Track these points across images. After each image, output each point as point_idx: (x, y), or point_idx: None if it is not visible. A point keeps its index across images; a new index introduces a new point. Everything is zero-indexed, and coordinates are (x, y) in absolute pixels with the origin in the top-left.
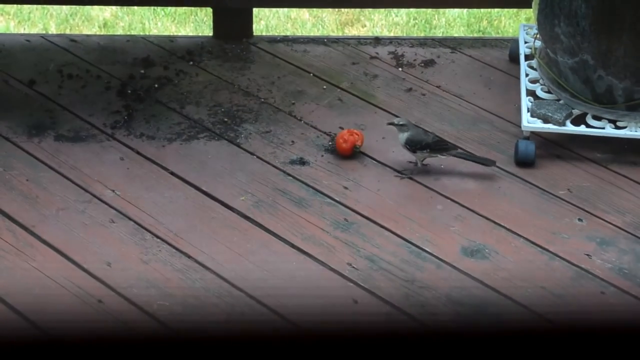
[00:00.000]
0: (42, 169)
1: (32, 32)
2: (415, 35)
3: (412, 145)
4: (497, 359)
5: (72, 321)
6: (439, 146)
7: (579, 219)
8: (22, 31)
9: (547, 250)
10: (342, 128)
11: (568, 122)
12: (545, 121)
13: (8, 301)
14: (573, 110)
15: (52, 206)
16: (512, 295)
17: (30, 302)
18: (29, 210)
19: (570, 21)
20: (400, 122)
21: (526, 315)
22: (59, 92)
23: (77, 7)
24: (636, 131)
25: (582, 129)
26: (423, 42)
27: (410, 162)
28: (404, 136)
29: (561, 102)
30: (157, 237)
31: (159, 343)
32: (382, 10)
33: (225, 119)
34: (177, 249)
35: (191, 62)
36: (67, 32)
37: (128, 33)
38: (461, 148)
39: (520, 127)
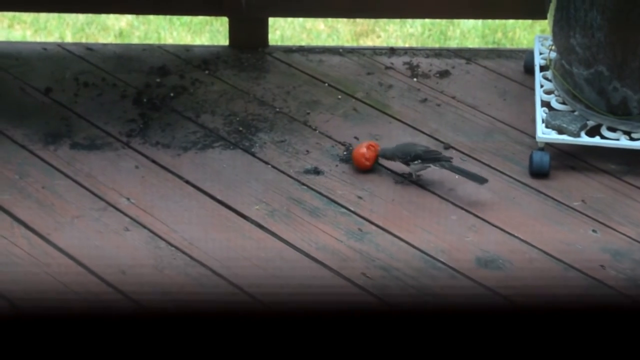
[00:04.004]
0: (58, 177)
1: (48, 40)
2: (430, 46)
3: (402, 158)
4: None
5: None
6: (430, 156)
7: (593, 230)
8: (38, 40)
9: (562, 261)
10: (357, 139)
11: (583, 134)
12: (560, 132)
13: (22, 307)
14: (588, 122)
15: (68, 214)
16: (525, 306)
17: (46, 310)
18: (45, 217)
19: (586, 32)
20: (381, 152)
21: (539, 326)
22: (75, 100)
23: (93, 16)
24: None
25: (596, 141)
26: (438, 53)
27: (404, 174)
28: (391, 149)
29: (576, 113)
30: (172, 245)
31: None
32: (397, 21)
33: (241, 128)
34: (191, 257)
35: (207, 71)
36: (83, 40)
37: (144, 42)
38: (462, 157)
39: (534, 138)
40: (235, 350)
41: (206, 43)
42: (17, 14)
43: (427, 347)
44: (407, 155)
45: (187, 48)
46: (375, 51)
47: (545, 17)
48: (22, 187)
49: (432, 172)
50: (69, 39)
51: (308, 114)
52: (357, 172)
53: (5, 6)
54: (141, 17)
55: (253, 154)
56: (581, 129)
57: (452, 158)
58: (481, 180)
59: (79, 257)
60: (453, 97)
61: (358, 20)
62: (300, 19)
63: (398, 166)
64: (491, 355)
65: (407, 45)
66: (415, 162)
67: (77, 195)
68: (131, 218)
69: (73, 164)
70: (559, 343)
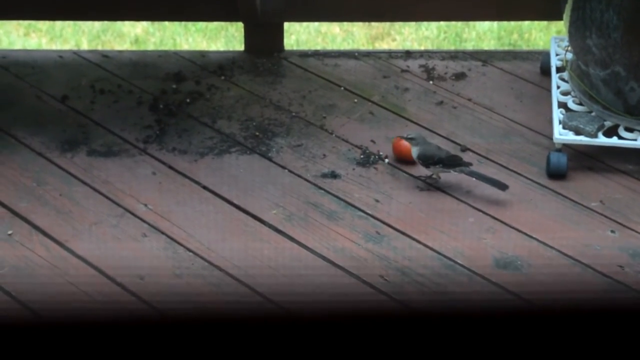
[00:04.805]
0: (75, 184)
1: (64, 48)
2: (445, 48)
3: (425, 160)
4: None
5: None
6: (452, 162)
7: (612, 231)
8: (54, 47)
9: (580, 262)
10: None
11: (600, 134)
12: (577, 133)
13: (43, 315)
14: (605, 122)
15: (85, 221)
16: (544, 307)
17: (65, 317)
18: (63, 225)
19: (602, 33)
20: (410, 136)
21: (558, 327)
22: (92, 107)
23: (109, 23)
24: None
25: (614, 141)
26: (454, 55)
27: (421, 176)
28: (415, 150)
29: (593, 114)
30: (190, 250)
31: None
32: (412, 24)
33: (257, 133)
34: (209, 262)
35: (222, 77)
36: (99, 48)
37: (159, 48)
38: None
39: (552, 139)
40: (254, 354)
41: (222, 49)
42: (32, 22)
43: (446, 349)
44: (430, 159)
45: (203, 54)
46: (391, 54)
47: (561, 18)
48: (39, 195)
49: (450, 174)
50: (84, 46)
51: (324, 117)
52: (374, 175)
53: (21, 15)
54: (156, 24)
55: (270, 159)
56: (598, 129)
57: (472, 164)
58: (502, 187)
59: (97, 264)
60: (469, 99)
61: (373, 23)
62: (316, 24)
63: (416, 168)
64: (510, 357)
65: (422, 48)
66: (437, 166)
67: (94, 202)
68: (149, 224)
69: (90, 171)
70: (578, 344)
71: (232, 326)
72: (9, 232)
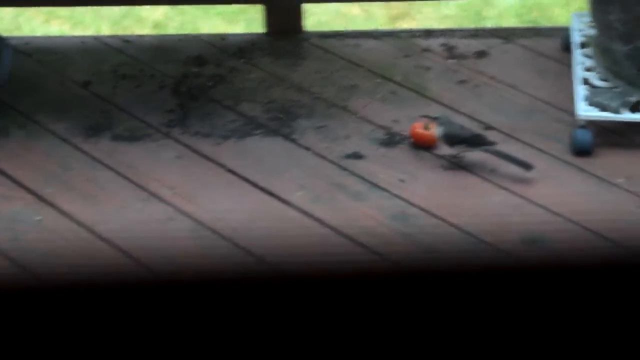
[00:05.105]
0: (100, 169)
1: (85, 34)
2: (466, 26)
3: (449, 140)
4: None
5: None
6: (476, 141)
7: (638, 207)
8: (75, 34)
9: (607, 238)
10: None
11: (624, 110)
12: (602, 109)
13: (72, 300)
14: (629, 98)
15: (111, 205)
16: (572, 283)
17: (96, 301)
18: (89, 209)
19: (624, 8)
20: (434, 116)
21: (586, 303)
22: (114, 92)
23: (129, 8)
24: None
25: (638, 116)
26: (475, 34)
27: (445, 155)
28: (439, 130)
29: (617, 89)
30: (216, 233)
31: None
32: (431, 3)
33: (280, 115)
34: (236, 244)
35: (243, 60)
36: (120, 33)
37: (180, 32)
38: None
39: (575, 116)
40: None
41: (242, 31)
42: (53, 8)
43: (473, 329)
44: (454, 139)
45: (223, 37)
46: (412, 34)
47: None
48: (65, 180)
49: (474, 153)
50: (105, 31)
51: (347, 98)
52: (398, 155)
53: (41, 2)
54: (176, 8)
55: (293, 141)
56: (623, 105)
57: (496, 143)
58: (527, 166)
59: (124, 248)
60: (491, 77)
61: (393, 3)
62: (335, 4)
63: (440, 147)
64: (535, 332)
65: (443, 26)
66: (461, 145)
67: (119, 186)
68: (174, 207)
69: (114, 155)
70: (607, 321)
71: (257, 306)
72: (38, 217)
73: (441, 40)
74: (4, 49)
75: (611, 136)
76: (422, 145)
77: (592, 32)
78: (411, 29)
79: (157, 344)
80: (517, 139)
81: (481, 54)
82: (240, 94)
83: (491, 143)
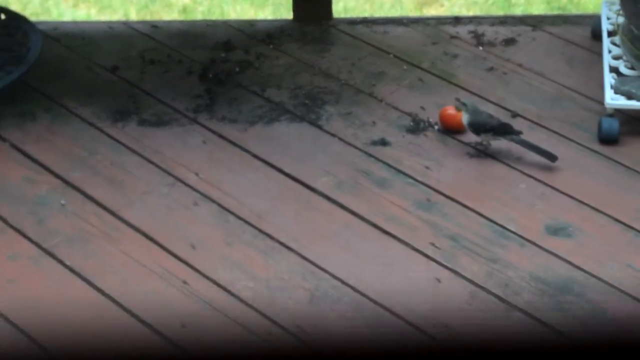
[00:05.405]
0: (126, 154)
1: (113, 19)
2: (494, 13)
3: (476, 128)
4: (583, 338)
5: (158, 301)
6: (503, 130)
7: None
8: (103, 18)
9: (632, 227)
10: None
11: None
12: (629, 98)
13: (96, 284)
14: None
15: (137, 190)
16: (597, 273)
17: (119, 285)
18: (115, 194)
19: None
20: (462, 101)
21: (612, 294)
22: (142, 77)
23: None
24: None
25: None
26: (503, 21)
27: (471, 143)
28: (466, 118)
29: None
30: (241, 219)
31: (244, 323)
32: None
33: (306, 101)
34: (260, 230)
35: (271, 46)
36: (148, 18)
37: (207, 18)
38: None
39: (603, 104)
40: (311, 324)
41: (269, 17)
42: None
43: (495, 314)
44: (481, 127)
45: (251, 23)
46: (440, 20)
47: None
48: (91, 165)
49: (500, 141)
50: (133, 17)
51: (374, 85)
52: (424, 142)
53: None
54: None
55: (320, 127)
56: None
57: (522, 132)
58: (552, 158)
59: (149, 232)
60: (519, 65)
61: None
62: None
63: (466, 135)
64: (566, 321)
65: (471, 13)
66: (488, 134)
67: (145, 171)
68: (200, 193)
69: (141, 140)
70: (630, 311)
71: (282, 294)
72: (62, 201)
73: (469, 27)
74: (33, 33)
75: (638, 125)
76: (451, 128)
77: (622, 20)
78: (439, 15)
79: None
80: (544, 127)
81: (509, 42)
82: (267, 80)
83: (518, 132)
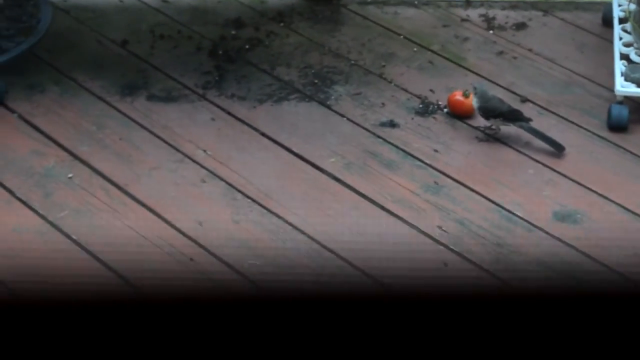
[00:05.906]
0: (135, 129)
1: None
2: None
3: (486, 113)
4: (588, 324)
5: (164, 279)
6: (513, 116)
7: None
8: None
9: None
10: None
11: None
12: (638, 85)
13: (102, 258)
14: None
15: (145, 165)
16: (604, 260)
17: (124, 260)
18: (122, 169)
19: None
20: (474, 85)
21: (619, 281)
22: (151, 52)
23: None
24: None
25: None
26: (515, 5)
27: (480, 127)
28: (476, 102)
29: None
30: (248, 197)
31: (250, 302)
32: None
33: (316, 81)
34: (267, 209)
35: (282, 24)
36: None
37: None
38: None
39: (613, 91)
40: (316, 303)
41: None
42: None
43: (503, 298)
44: (491, 112)
45: (263, 0)
46: (451, 3)
47: None
48: (99, 139)
49: (510, 126)
50: None
51: (383, 66)
52: (433, 125)
53: None
54: None
55: (329, 107)
56: None
57: (532, 119)
58: (559, 148)
59: (156, 208)
60: (530, 50)
61: None
62: None
63: (475, 119)
64: (572, 308)
65: None
66: (497, 119)
67: (154, 147)
68: (208, 170)
69: (150, 115)
70: (636, 297)
71: (287, 273)
72: (70, 175)
73: (480, 10)
74: (43, 4)
75: None
76: (458, 114)
77: (633, 6)
78: None
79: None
80: (553, 113)
81: (520, 26)
82: (277, 58)
83: (527, 119)
